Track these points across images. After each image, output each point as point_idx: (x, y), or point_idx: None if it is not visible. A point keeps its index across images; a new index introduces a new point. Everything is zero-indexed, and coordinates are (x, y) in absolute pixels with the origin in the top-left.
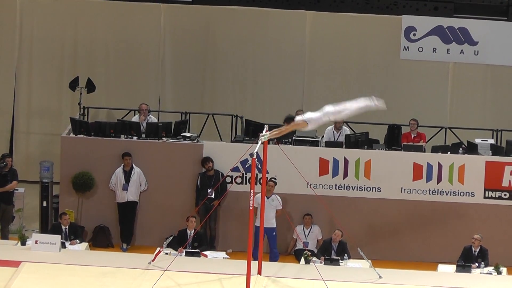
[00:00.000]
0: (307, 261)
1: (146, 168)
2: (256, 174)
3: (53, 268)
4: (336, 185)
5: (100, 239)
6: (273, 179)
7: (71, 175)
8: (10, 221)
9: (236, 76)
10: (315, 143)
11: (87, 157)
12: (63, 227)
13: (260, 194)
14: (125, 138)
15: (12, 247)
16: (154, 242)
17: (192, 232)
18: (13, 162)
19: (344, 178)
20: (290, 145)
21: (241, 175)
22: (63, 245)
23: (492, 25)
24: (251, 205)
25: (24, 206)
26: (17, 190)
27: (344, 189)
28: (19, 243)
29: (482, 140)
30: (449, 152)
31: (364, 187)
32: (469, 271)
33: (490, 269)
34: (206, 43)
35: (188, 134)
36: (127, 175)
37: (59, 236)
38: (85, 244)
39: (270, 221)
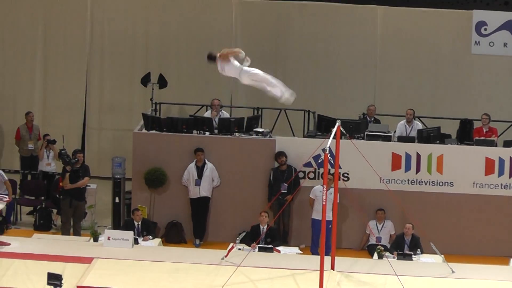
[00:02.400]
0: (380, 256)
1: (218, 163)
2: (329, 169)
3: (125, 264)
4: (408, 180)
5: (172, 235)
6: (345, 174)
7: (144, 171)
8: (82, 218)
9: (308, 71)
10: (388, 138)
11: (159, 153)
12: (136, 223)
13: (318, 186)
14: (197, 133)
15: (85, 244)
16: (227, 237)
17: (265, 227)
18: (85, 158)
19: (416, 173)
20: (363, 140)
21: (313, 170)
22: (136, 241)
23: None
24: (324, 200)
25: (96, 202)
26: (89, 186)
27: (416, 184)
28: (92, 239)
29: None
30: None
31: (437, 182)
32: None
33: None
34: (277, 38)
35: (260, 130)
36: (200, 170)
37: (132, 232)
38: (157, 240)
39: (327, 214)
